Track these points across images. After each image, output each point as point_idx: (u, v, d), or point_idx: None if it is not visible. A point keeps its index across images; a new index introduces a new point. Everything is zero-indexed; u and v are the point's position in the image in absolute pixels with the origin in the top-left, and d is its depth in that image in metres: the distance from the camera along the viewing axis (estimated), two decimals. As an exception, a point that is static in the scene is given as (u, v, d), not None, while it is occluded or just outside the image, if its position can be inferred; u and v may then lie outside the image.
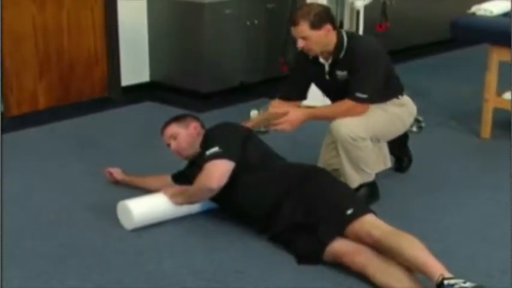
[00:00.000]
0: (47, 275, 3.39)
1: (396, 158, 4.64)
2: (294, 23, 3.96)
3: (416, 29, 8.27)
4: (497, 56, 5.17)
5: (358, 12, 6.15)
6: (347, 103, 4.01)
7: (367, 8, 6.16)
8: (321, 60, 4.12)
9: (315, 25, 3.94)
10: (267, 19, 6.59)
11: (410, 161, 4.69)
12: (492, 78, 5.24)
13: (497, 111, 5.33)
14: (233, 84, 6.52)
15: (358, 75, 3.99)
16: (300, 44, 3.98)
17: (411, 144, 4.70)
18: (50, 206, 4.17)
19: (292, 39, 4.14)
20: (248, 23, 6.44)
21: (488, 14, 5.29)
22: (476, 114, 5.43)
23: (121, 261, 3.53)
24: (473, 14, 5.39)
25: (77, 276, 3.37)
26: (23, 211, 4.09)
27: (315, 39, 3.96)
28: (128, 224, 3.82)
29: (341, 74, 4.07)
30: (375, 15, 6.79)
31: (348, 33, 4.14)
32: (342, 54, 4.03)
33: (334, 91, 4.17)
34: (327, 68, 4.12)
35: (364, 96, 3.98)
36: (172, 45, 6.50)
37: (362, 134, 3.98)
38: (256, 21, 6.49)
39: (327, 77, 4.14)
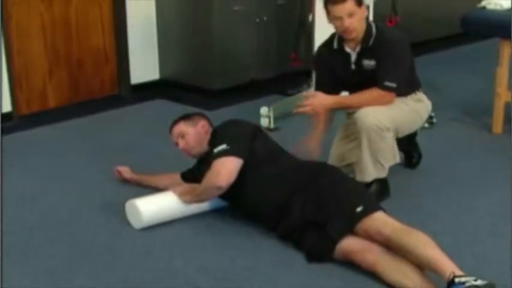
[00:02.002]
0: (56, 274, 3.39)
1: (406, 154, 4.61)
2: (341, 0, 3.92)
3: (427, 23, 8.21)
4: (508, 50, 5.12)
5: (368, 7, 6.12)
6: (375, 92, 4.00)
7: (376, 2, 6.13)
8: (347, 49, 4.10)
9: (359, 2, 3.95)
10: (276, 15, 6.56)
11: (419, 156, 4.66)
12: (503, 72, 5.19)
13: (509, 106, 5.28)
14: (243, 81, 6.49)
15: (388, 63, 3.99)
16: (346, 22, 3.93)
17: (423, 139, 4.67)
18: (59, 205, 4.17)
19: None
20: (257, 19, 6.41)
21: (498, 8, 5.26)
22: (487, 109, 5.39)
23: (130, 260, 3.52)
24: (484, 8, 5.36)
25: (86, 276, 3.37)
26: (32, 210, 4.10)
27: (359, 16, 3.96)
28: (137, 224, 3.81)
29: (368, 63, 4.06)
30: (385, 9, 6.77)
31: (374, 22, 4.15)
32: (371, 42, 4.03)
33: (357, 82, 4.11)
34: (353, 57, 4.10)
35: (393, 85, 3.98)
36: (182, 43, 6.48)
37: (388, 124, 3.97)
38: (265, 18, 6.46)
39: (353, 66, 4.12)
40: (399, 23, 6.78)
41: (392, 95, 4.02)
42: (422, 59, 7.60)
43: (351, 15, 3.93)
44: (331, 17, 4.03)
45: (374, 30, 4.05)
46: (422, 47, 8.06)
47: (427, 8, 8.18)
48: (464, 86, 6.66)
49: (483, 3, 5.38)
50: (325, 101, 4.07)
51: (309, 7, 6.21)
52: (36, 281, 3.34)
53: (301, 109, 4.08)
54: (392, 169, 4.22)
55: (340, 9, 3.94)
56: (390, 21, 6.70)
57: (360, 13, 3.97)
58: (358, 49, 4.08)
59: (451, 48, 8.26)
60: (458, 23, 5.47)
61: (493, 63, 5.28)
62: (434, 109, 4.88)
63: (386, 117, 3.98)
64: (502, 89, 5.24)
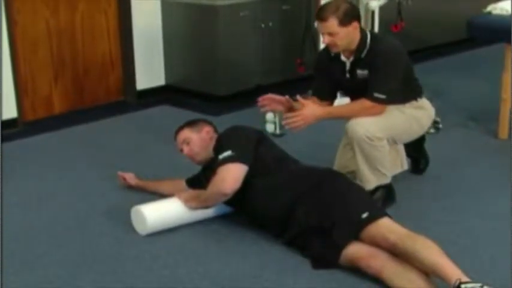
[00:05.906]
0: (61, 280, 3.38)
1: (413, 159, 4.60)
2: (323, 18, 3.93)
3: (432, 29, 8.22)
4: (514, 55, 5.12)
5: (373, 13, 6.12)
6: (364, 103, 3.98)
7: (382, 8, 6.13)
8: (343, 58, 4.10)
9: (343, 22, 3.92)
10: (282, 21, 6.56)
11: (427, 162, 4.65)
12: (509, 77, 5.18)
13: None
14: (249, 87, 6.48)
15: (378, 75, 3.96)
16: (326, 39, 3.96)
17: (429, 145, 4.65)
18: (64, 211, 4.17)
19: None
20: (263, 25, 6.41)
21: (504, 13, 5.25)
22: (493, 115, 5.37)
23: (135, 266, 3.51)
24: (489, 13, 5.34)
25: (90, 282, 3.36)
26: (37, 216, 4.10)
27: (341, 36, 3.94)
28: (142, 230, 3.80)
29: (361, 73, 4.05)
30: (391, 15, 6.76)
31: (371, 33, 4.13)
32: (364, 54, 4.01)
33: (354, 90, 4.13)
34: (348, 66, 4.10)
35: (383, 96, 3.95)
36: (187, 49, 6.49)
37: (378, 134, 3.94)
38: (271, 23, 6.46)
39: (347, 75, 4.12)
40: (404, 28, 6.76)
41: (382, 106, 3.99)
42: (428, 64, 7.63)
43: (331, 34, 3.93)
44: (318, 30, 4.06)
45: (368, 40, 4.03)
46: (428, 52, 8.07)
47: (433, 14, 8.18)
48: (470, 92, 6.65)
49: (489, 9, 5.37)
50: (316, 112, 4.02)
51: (314, 12, 6.20)
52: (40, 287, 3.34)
53: (292, 124, 4.01)
54: (399, 175, 4.22)
55: (321, 27, 3.98)
56: (395, 27, 6.69)
57: (344, 33, 3.93)
58: (351, 59, 4.07)
59: (456, 53, 8.25)
60: (464, 28, 5.47)
61: (499, 68, 5.27)
62: (440, 114, 4.90)
63: (377, 126, 3.95)
64: (507, 94, 5.22)
